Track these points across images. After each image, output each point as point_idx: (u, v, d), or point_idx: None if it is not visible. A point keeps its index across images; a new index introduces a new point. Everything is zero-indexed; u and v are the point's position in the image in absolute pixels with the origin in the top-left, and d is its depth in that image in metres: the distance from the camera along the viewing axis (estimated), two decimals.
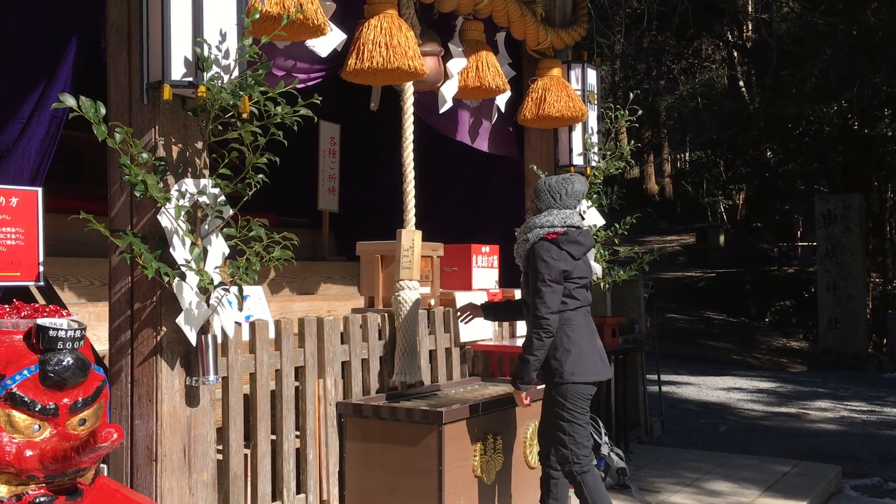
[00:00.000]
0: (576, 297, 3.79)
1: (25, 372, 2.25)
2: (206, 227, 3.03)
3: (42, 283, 2.96)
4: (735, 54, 19.00)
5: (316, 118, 3.08)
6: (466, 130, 5.50)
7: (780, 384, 10.97)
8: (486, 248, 5.38)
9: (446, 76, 4.80)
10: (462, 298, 4.91)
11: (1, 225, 2.80)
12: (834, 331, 13.28)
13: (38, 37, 3.41)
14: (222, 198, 3.02)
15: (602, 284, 5.66)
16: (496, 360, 4.97)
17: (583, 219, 4.49)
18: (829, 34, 13.30)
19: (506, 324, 5.34)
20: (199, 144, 3.09)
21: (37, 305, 2.52)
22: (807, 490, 5.30)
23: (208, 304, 3.00)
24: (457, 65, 4.86)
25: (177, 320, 2.95)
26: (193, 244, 2.96)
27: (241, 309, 3.15)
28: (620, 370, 6.05)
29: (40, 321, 2.30)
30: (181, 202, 2.92)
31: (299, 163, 6.42)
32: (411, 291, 4.26)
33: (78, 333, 2.33)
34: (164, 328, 2.99)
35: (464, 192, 6.82)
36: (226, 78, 2.91)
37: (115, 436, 2.20)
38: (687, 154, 26.02)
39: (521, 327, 5.38)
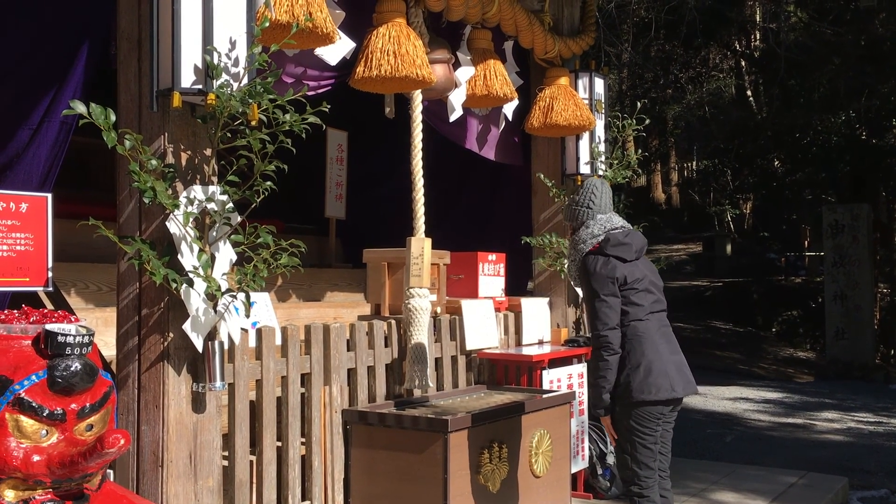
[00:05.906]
0: (638, 303, 3.54)
1: (34, 377, 2.26)
2: (214, 233, 3.04)
3: (51, 289, 2.97)
4: (743, 63, 19.02)
5: (324, 126, 3.09)
6: (475, 138, 5.51)
7: (787, 394, 10.92)
8: (492, 257, 5.38)
9: (455, 83, 4.81)
10: (468, 306, 4.91)
11: (10, 231, 2.82)
12: (841, 341, 13.22)
13: (49, 44, 3.42)
14: (230, 205, 3.03)
15: None
16: (502, 368, 4.97)
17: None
18: (837, 44, 13.30)
19: (512, 331, 5.34)
20: (208, 151, 3.11)
21: (45, 311, 2.53)
22: (814, 501, 5.28)
23: (215, 311, 3.01)
24: (465, 73, 4.87)
25: (184, 326, 2.96)
26: (201, 251, 2.98)
27: (248, 315, 3.16)
28: None
29: (49, 327, 2.32)
30: (190, 209, 2.94)
31: (306, 170, 6.43)
32: (421, 299, 4.26)
33: (86, 339, 2.34)
34: (171, 334, 3.00)
35: (470, 200, 6.83)
36: (235, 85, 2.92)
37: (122, 441, 2.21)
38: (694, 163, 26.03)
39: (528, 336, 5.38)
